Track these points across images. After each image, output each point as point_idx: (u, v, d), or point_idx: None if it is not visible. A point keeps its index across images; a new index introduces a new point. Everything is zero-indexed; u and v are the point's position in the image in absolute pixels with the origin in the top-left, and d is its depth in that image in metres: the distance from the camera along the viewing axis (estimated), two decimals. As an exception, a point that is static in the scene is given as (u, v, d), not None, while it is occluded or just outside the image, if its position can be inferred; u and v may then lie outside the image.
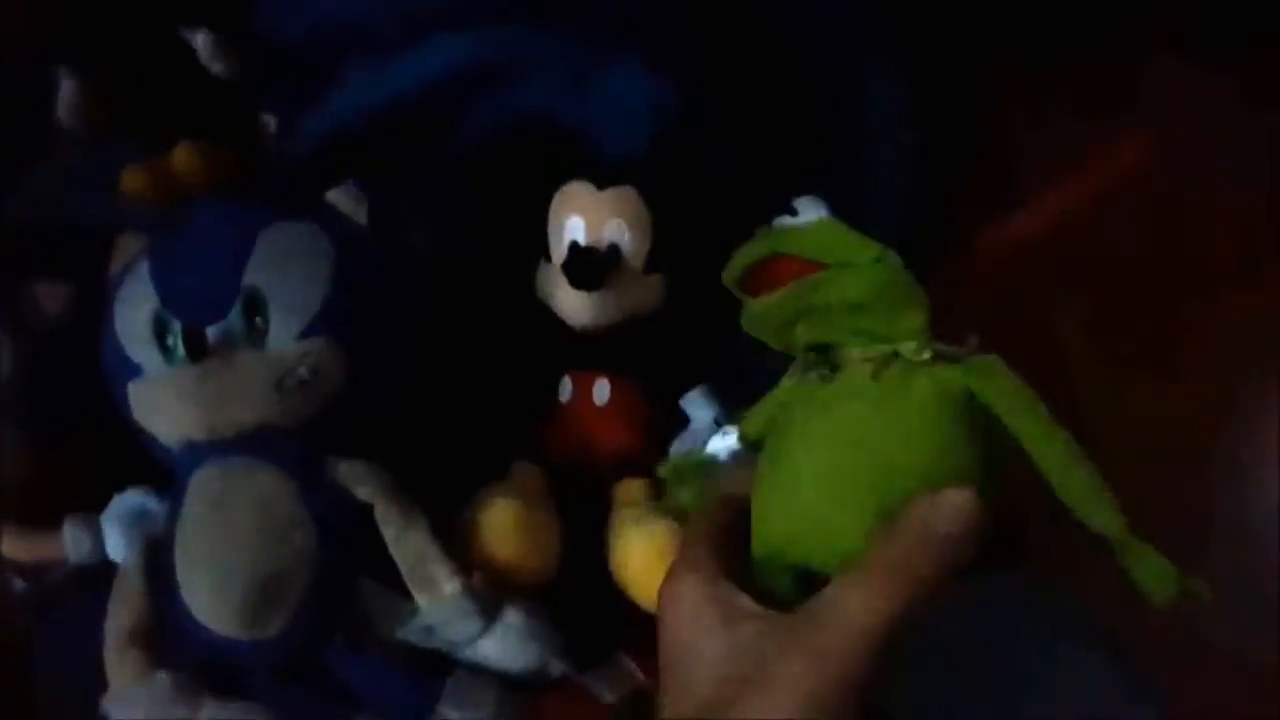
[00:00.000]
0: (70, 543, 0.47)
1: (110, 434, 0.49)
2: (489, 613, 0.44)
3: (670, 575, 0.35)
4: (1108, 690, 0.44)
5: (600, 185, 0.52)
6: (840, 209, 0.38)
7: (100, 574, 0.48)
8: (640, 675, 0.43)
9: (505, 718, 0.42)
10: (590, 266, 0.50)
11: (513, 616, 0.44)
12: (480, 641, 0.44)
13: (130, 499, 0.48)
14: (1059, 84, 0.72)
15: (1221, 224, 0.63)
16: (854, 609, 0.30)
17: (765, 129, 0.60)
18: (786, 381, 0.38)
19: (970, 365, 0.33)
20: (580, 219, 0.52)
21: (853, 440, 0.33)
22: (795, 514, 0.34)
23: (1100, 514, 0.31)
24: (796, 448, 0.34)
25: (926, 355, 0.33)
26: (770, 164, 0.59)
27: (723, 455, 0.42)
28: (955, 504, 0.31)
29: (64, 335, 0.51)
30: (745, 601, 0.32)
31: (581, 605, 0.47)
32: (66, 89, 0.56)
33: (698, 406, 0.53)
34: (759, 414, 0.40)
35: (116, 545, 0.47)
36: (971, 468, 0.32)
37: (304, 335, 0.46)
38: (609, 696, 0.42)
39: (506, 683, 0.44)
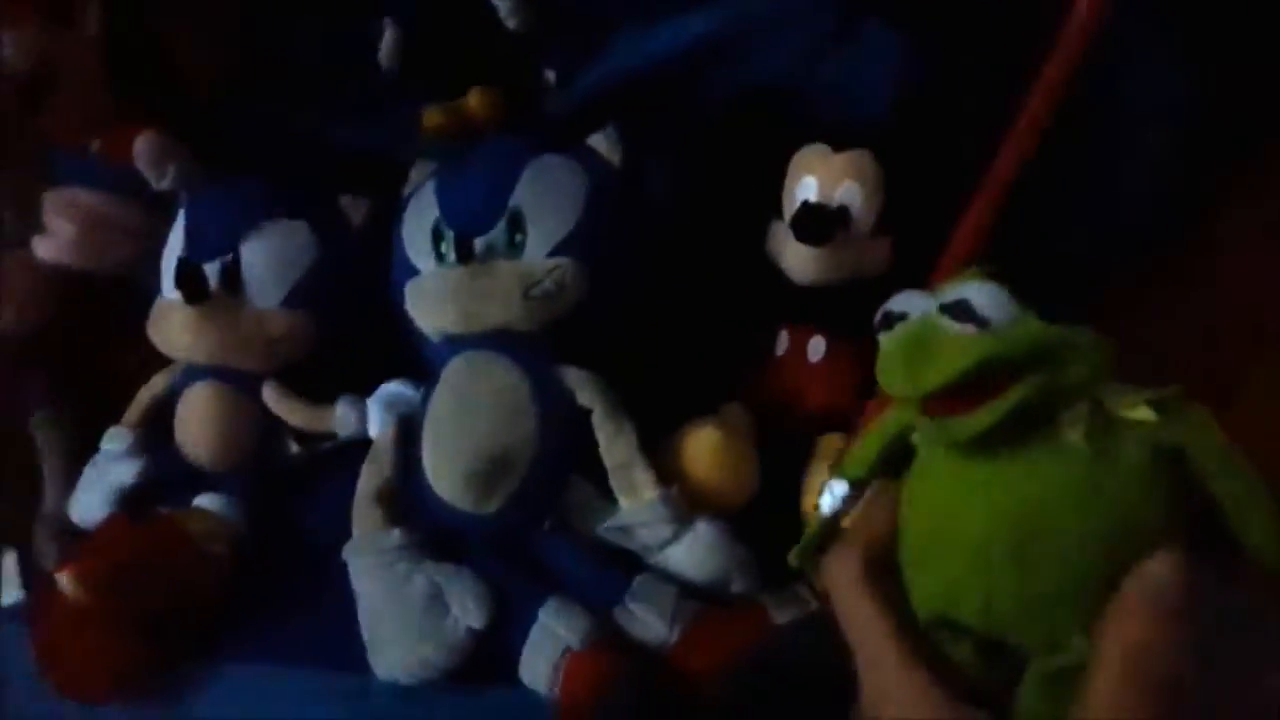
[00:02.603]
0: (340, 418, 0.55)
1: (387, 331, 0.57)
2: (681, 521, 0.47)
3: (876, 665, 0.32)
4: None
5: (837, 148, 0.54)
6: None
7: (363, 449, 0.55)
8: (814, 602, 0.45)
9: (682, 619, 0.45)
10: (818, 223, 0.52)
11: (703, 529, 0.48)
12: (670, 548, 0.48)
13: (393, 387, 0.56)
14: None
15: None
16: None
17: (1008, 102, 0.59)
18: (896, 415, 0.36)
19: (1183, 420, 0.30)
20: (814, 178, 0.54)
21: (1062, 510, 0.30)
22: (988, 586, 0.31)
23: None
24: (982, 512, 0.31)
25: (1141, 410, 0.30)
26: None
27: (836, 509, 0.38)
28: (1161, 575, 0.29)
29: (361, 241, 0.59)
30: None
31: (770, 534, 0.49)
32: (389, 37, 0.65)
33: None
34: (865, 453, 0.37)
35: (378, 425, 0.55)
36: (1180, 524, 0.30)
37: (554, 252, 0.51)
38: (780, 617, 0.45)
39: (688, 591, 0.47)
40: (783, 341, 0.57)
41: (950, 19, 0.59)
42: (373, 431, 0.54)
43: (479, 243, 0.52)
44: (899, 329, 0.33)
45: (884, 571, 0.34)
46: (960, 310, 0.31)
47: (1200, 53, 0.59)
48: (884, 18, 0.59)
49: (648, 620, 0.46)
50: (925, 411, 0.33)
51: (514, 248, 0.52)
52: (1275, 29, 0.57)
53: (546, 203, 0.52)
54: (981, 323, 0.31)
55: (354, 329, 0.58)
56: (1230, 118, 0.61)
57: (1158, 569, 0.29)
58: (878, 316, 0.34)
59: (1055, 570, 0.30)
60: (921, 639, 0.32)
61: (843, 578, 0.34)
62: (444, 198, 0.54)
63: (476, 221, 0.52)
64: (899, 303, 0.34)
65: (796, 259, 0.54)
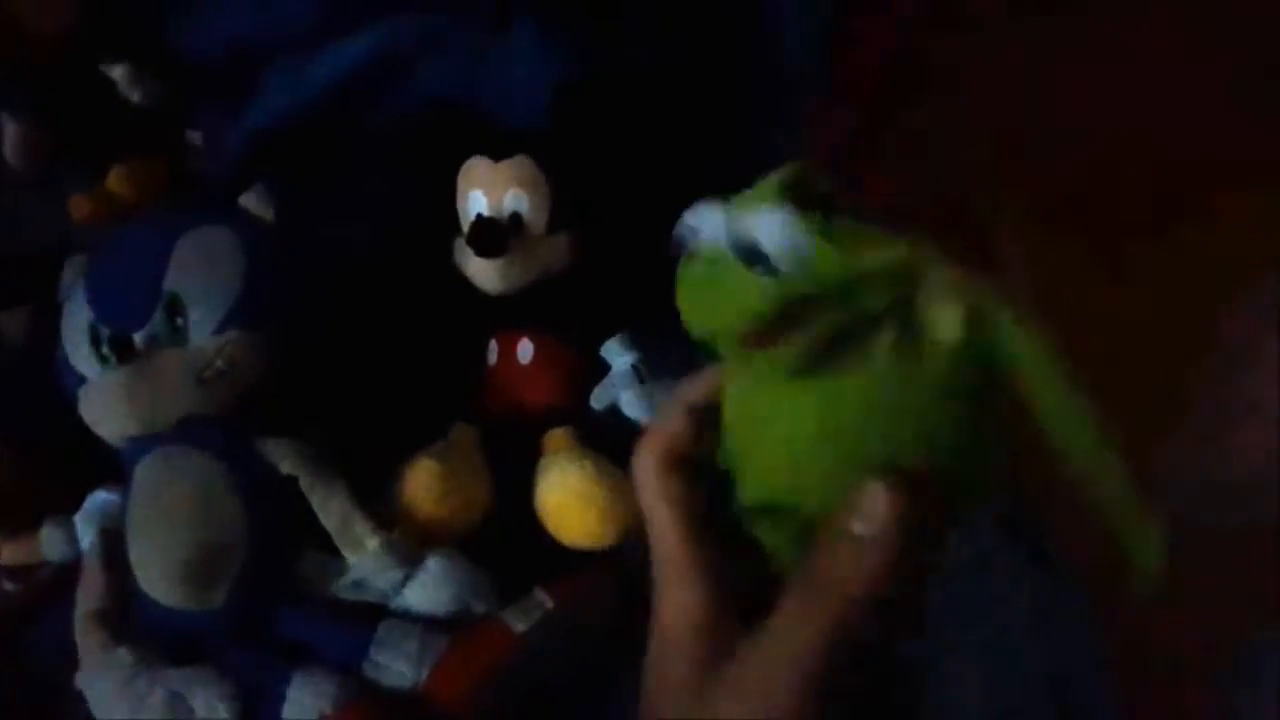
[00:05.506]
0: (46, 544, 0.52)
1: (84, 439, 0.54)
2: (409, 562, 0.47)
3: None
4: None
5: (497, 158, 0.54)
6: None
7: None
8: (550, 603, 0.47)
9: (428, 655, 0.46)
10: (491, 235, 0.53)
11: (433, 564, 0.48)
12: (405, 590, 0.48)
13: (100, 497, 0.53)
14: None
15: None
16: (787, 640, 0.29)
17: (673, 84, 0.61)
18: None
19: (990, 329, 0.30)
20: (480, 191, 0.54)
21: (867, 428, 0.31)
22: (804, 474, 0.32)
23: (1106, 482, 0.29)
24: (803, 404, 0.32)
25: (947, 329, 0.31)
26: (682, 118, 0.60)
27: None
28: (869, 504, 0.29)
29: (27, 355, 0.55)
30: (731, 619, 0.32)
31: (506, 547, 0.50)
32: (9, 132, 0.60)
33: (616, 354, 0.55)
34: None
35: (90, 540, 0.52)
36: (979, 438, 0.31)
37: (220, 330, 0.50)
38: (521, 626, 0.46)
39: (434, 625, 0.47)
40: (493, 351, 0.58)
41: (597, 13, 0.60)
42: (86, 547, 0.52)
43: (139, 337, 0.50)
44: (694, 265, 0.32)
45: (678, 466, 0.35)
46: (751, 254, 0.30)
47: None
48: (532, 19, 0.60)
49: (393, 667, 0.46)
50: (741, 344, 0.33)
51: (177, 333, 0.50)
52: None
53: (202, 279, 0.50)
54: (771, 267, 0.30)
55: (41, 449, 0.54)
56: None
57: (859, 499, 0.30)
58: (673, 239, 0.32)
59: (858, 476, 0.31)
60: (708, 530, 0.34)
61: (641, 474, 0.35)
62: (94, 294, 0.51)
63: (131, 315, 0.50)
64: (693, 220, 0.32)
65: (481, 272, 0.55)
